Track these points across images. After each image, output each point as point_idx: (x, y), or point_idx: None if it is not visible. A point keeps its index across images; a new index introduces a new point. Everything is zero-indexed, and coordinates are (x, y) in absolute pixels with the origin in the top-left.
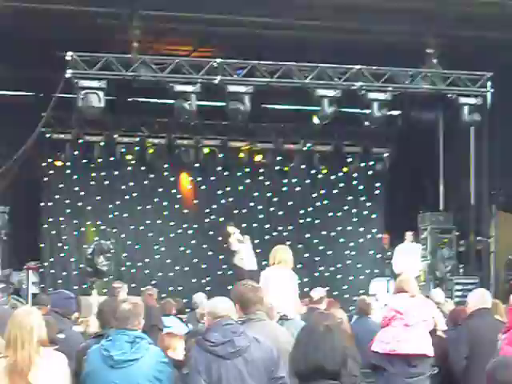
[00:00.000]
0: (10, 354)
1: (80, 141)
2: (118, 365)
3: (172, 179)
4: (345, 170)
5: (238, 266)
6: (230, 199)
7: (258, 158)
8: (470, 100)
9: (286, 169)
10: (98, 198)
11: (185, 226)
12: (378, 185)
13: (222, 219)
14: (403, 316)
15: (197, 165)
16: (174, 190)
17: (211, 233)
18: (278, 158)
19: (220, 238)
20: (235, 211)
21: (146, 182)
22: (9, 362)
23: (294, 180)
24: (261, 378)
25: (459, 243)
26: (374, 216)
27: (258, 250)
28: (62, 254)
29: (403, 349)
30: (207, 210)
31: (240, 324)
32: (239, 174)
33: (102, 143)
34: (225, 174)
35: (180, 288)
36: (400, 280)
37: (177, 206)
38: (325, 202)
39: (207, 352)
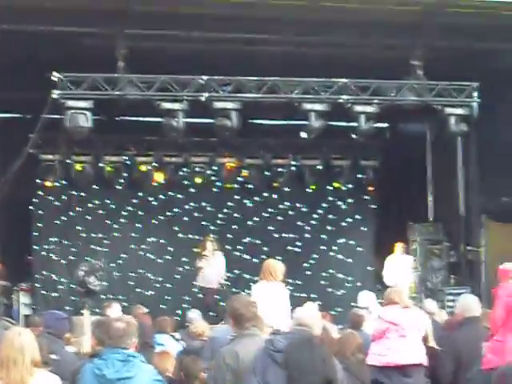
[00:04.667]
0: (2, 375)
1: (68, 161)
2: (111, 383)
3: (162, 197)
4: (334, 183)
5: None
6: (220, 215)
7: (247, 173)
8: (456, 110)
9: (275, 184)
10: (89, 217)
11: (176, 243)
12: (367, 197)
13: (212, 236)
14: (398, 327)
15: (186, 182)
16: (164, 209)
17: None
18: (267, 174)
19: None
20: (224, 227)
21: (135, 201)
22: (2, 383)
23: (282, 194)
24: None
25: (450, 254)
26: (363, 228)
27: (246, 267)
28: (53, 275)
29: (400, 360)
30: (197, 228)
31: (231, 339)
32: (228, 189)
33: (90, 163)
34: (213, 190)
35: (172, 305)
36: (390, 292)
37: (167, 225)
38: (314, 215)
39: (268, 356)
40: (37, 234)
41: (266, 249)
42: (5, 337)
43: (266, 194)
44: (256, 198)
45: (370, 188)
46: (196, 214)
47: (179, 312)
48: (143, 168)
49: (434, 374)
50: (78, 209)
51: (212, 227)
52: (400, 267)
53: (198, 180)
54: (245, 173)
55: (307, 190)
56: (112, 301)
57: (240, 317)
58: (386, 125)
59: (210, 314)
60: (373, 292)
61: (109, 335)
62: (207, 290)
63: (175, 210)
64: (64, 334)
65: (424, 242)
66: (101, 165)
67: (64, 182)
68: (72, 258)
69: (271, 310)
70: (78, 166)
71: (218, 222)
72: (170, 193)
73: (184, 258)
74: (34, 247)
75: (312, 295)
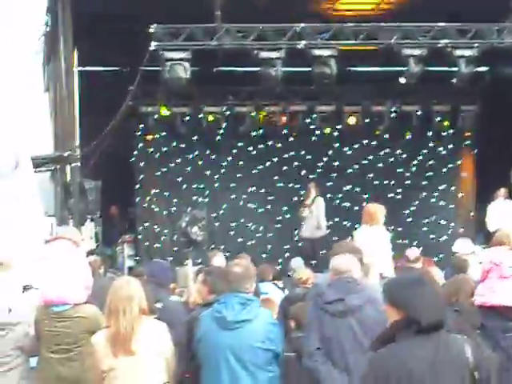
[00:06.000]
0: (111, 323)
1: (168, 112)
2: (231, 325)
3: (261, 146)
4: (434, 128)
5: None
6: (319, 164)
7: (352, 120)
8: None
9: (376, 132)
10: (188, 168)
11: (277, 193)
12: (467, 142)
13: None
14: (500, 268)
15: (285, 131)
16: (263, 158)
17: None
18: (366, 120)
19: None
20: (323, 176)
21: (235, 151)
22: (111, 331)
23: (382, 141)
24: None
25: None
26: (464, 174)
27: (346, 215)
28: (155, 226)
29: (497, 300)
30: (296, 177)
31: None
32: (327, 137)
33: (189, 114)
34: (312, 138)
35: (273, 255)
36: (499, 233)
37: (267, 173)
38: (414, 161)
39: (320, 309)
40: (138, 185)
41: (365, 196)
42: (113, 286)
43: (365, 141)
44: (355, 146)
45: (471, 133)
46: (296, 163)
47: (280, 261)
48: (242, 118)
49: None
50: (178, 160)
51: (311, 175)
52: (503, 213)
53: (297, 129)
54: (344, 120)
55: (407, 136)
56: (216, 250)
57: None
58: (485, 69)
59: (313, 262)
60: (469, 238)
61: (227, 280)
62: (310, 238)
63: (275, 159)
64: (168, 283)
65: None
66: (200, 115)
67: (164, 134)
68: (173, 208)
69: (375, 254)
70: (178, 117)
71: (318, 170)
72: (269, 142)
73: (285, 208)
74: (136, 199)
75: (413, 242)
